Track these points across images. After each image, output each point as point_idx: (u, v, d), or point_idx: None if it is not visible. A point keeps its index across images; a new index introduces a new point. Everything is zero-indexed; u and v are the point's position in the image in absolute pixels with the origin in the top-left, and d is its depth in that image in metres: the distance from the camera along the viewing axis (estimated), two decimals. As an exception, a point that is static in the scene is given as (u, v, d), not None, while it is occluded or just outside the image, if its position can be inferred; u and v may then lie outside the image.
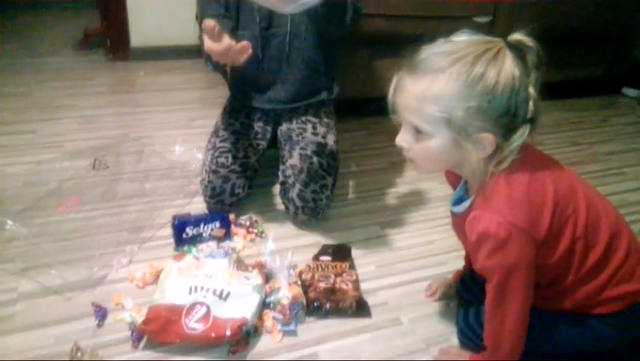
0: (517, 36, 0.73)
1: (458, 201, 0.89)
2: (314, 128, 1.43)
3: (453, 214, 0.91)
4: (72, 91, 2.11)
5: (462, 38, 0.75)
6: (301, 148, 1.38)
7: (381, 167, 1.69)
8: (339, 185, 1.46)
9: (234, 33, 1.31)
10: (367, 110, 1.90)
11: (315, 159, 1.35)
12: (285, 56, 1.39)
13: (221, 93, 2.15)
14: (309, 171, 1.32)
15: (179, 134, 1.79)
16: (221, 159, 1.34)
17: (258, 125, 1.47)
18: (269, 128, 1.49)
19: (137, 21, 2.47)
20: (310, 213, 1.32)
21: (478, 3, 1.99)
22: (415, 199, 1.53)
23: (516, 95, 0.71)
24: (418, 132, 0.77)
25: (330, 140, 1.42)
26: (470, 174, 0.82)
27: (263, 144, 1.46)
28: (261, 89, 1.45)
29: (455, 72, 0.71)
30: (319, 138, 1.41)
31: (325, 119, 1.47)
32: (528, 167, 0.77)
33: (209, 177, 1.33)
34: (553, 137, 2.00)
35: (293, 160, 1.36)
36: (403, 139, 0.80)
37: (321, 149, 1.38)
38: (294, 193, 1.31)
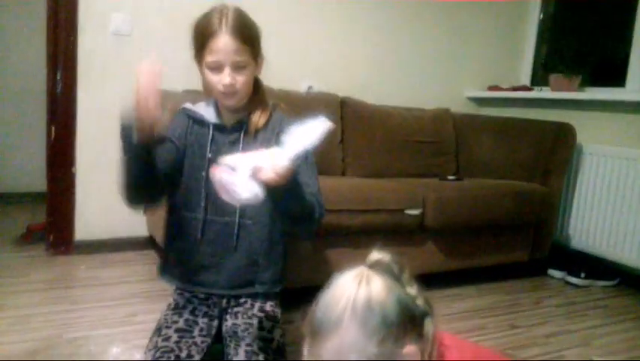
0: (373, 256, 0.83)
1: None
2: (260, 323, 1.42)
3: None
4: (4, 289, 2.02)
5: (337, 281, 0.81)
6: (247, 345, 1.34)
7: None
8: (286, 382, 1.40)
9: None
10: (310, 299, 1.92)
11: (261, 356, 1.31)
12: (226, 244, 1.44)
13: (164, 286, 2.12)
14: (256, 369, 1.28)
15: (118, 333, 1.71)
16: (163, 360, 1.28)
17: (202, 322, 1.44)
18: (214, 324, 1.46)
19: (84, 215, 2.51)
20: (256, 417, 1.24)
21: (410, 197, 2.20)
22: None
23: (403, 301, 0.77)
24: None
25: (277, 334, 1.40)
26: None
27: (208, 340, 1.41)
28: (194, 271, 1.46)
29: (348, 317, 0.75)
30: (265, 333, 1.39)
31: (271, 314, 1.47)
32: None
33: (147, 381, 1.25)
34: (492, 320, 2.07)
35: (238, 358, 1.31)
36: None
37: (267, 345, 1.35)
38: (239, 395, 1.24)
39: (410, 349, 0.76)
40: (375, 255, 0.82)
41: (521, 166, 2.73)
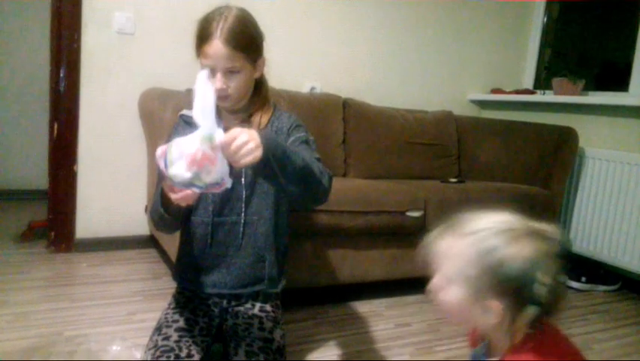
0: (542, 226, 0.85)
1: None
2: (260, 323, 1.42)
3: None
4: (4, 286, 2.02)
5: (501, 216, 0.86)
6: (247, 345, 1.34)
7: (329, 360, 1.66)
8: (286, 383, 1.40)
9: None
10: (312, 299, 1.93)
11: (261, 356, 1.31)
12: (235, 242, 1.44)
13: (165, 285, 2.14)
14: (255, 369, 1.28)
15: (117, 331, 1.71)
16: (163, 359, 1.28)
17: (203, 321, 1.44)
18: (214, 324, 1.45)
19: (86, 213, 2.51)
20: (256, 417, 1.23)
21: (411, 199, 2.20)
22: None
23: (523, 275, 0.80)
24: (446, 280, 0.86)
25: (277, 335, 1.40)
26: (493, 337, 0.90)
27: (208, 340, 1.41)
28: (206, 273, 1.46)
29: (473, 239, 0.83)
30: (266, 334, 1.39)
31: (272, 314, 1.47)
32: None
33: (147, 380, 1.25)
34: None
35: (238, 358, 1.31)
36: (432, 282, 0.89)
37: (267, 345, 1.35)
38: (238, 395, 1.24)
39: (496, 304, 0.81)
40: (545, 225, 0.84)
41: (523, 170, 2.73)
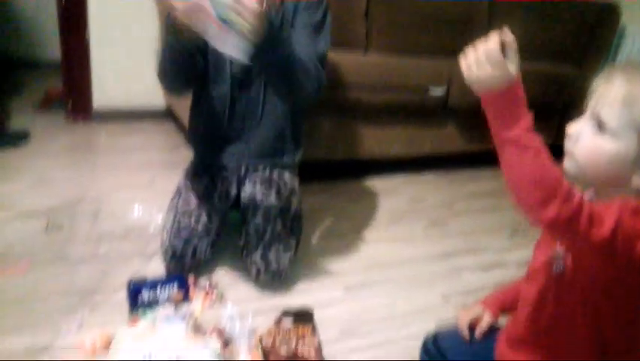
0: None
1: None
2: (278, 190, 1.43)
3: None
4: (27, 152, 2.06)
5: None
6: (265, 211, 1.37)
7: (342, 231, 1.70)
8: (301, 248, 1.44)
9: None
10: (329, 172, 1.95)
11: (278, 221, 1.34)
12: (254, 116, 1.41)
13: (184, 155, 2.13)
14: (273, 232, 1.31)
15: (139, 196, 1.75)
16: (184, 221, 1.32)
17: (221, 187, 1.46)
18: (232, 190, 1.47)
19: (101, 82, 2.47)
20: (272, 275, 1.29)
21: (433, 75, 2.10)
22: (377, 261, 1.53)
23: None
24: (599, 128, 0.71)
25: (294, 202, 1.42)
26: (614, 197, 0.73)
27: (226, 205, 1.44)
28: (224, 145, 1.46)
29: None
30: (283, 201, 1.41)
31: (289, 182, 1.47)
32: None
33: (170, 239, 1.30)
34: (507, 201, 2.07)
35: (256, 222, 1.35)
36: (576, 128, 0.74)
37: (285, 211, 1.37)
38: (256, 256, 1.29)
39: None
40: None
41: (556, 46, 2.56)
